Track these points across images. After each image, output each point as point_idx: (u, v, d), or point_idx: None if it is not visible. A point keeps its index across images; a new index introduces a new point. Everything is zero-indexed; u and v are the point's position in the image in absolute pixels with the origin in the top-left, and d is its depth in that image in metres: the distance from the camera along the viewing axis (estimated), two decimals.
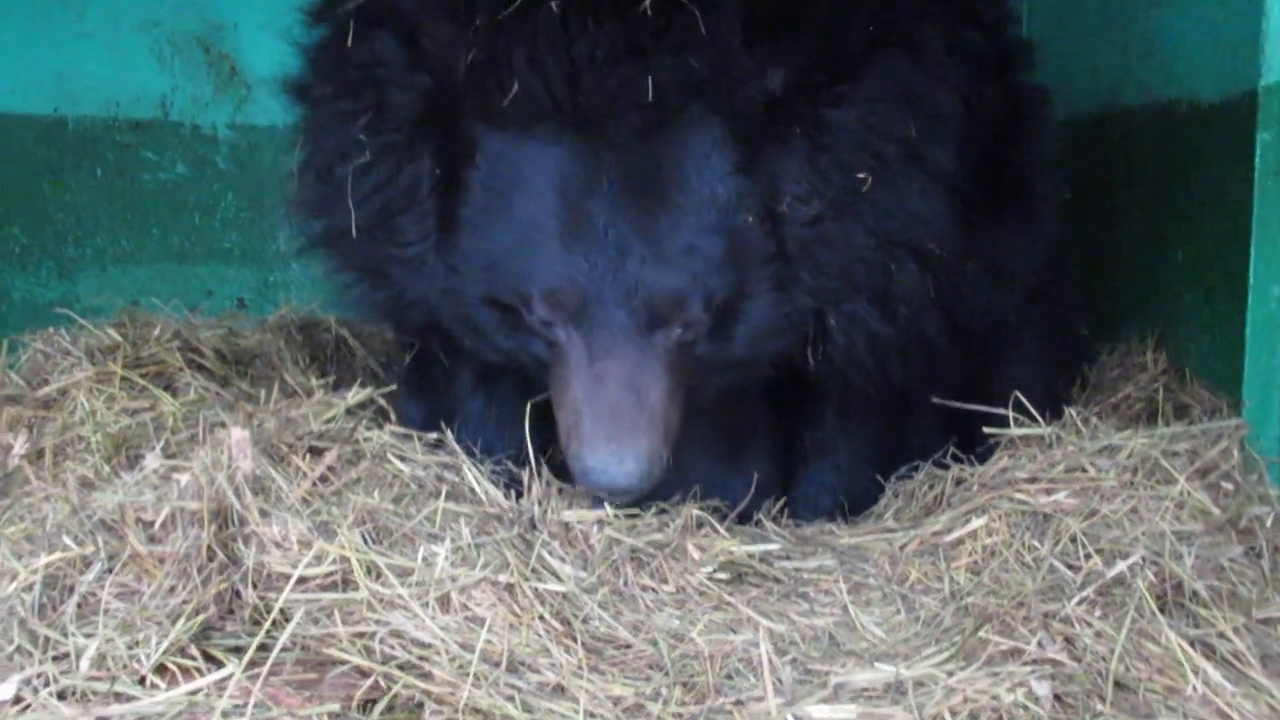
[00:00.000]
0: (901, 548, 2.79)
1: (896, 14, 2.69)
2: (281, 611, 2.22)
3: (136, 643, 2.09)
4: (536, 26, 2.51)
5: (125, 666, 2.06)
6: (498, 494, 2.66)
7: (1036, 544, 2.62)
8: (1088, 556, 2.54)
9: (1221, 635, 2.33)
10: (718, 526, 2.74)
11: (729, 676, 2.26)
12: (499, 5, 2.51)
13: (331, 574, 2.30)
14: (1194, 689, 2.20)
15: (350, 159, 2.71)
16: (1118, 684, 2.19)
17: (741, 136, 2.62)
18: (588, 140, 2.58)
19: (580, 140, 2.59)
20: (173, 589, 2.21)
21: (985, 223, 3.03)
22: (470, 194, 2.69)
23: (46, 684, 2.05)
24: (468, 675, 2.12)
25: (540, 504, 2.62)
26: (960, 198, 2.81)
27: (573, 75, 2.52)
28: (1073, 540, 2.59)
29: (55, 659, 2.09)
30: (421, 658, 2.17)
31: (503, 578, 2.33)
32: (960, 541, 2.73)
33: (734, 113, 2.60)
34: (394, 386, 3.18)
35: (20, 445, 2.90)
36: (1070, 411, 3.02)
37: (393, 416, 3.08)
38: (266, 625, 2.18)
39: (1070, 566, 2.54)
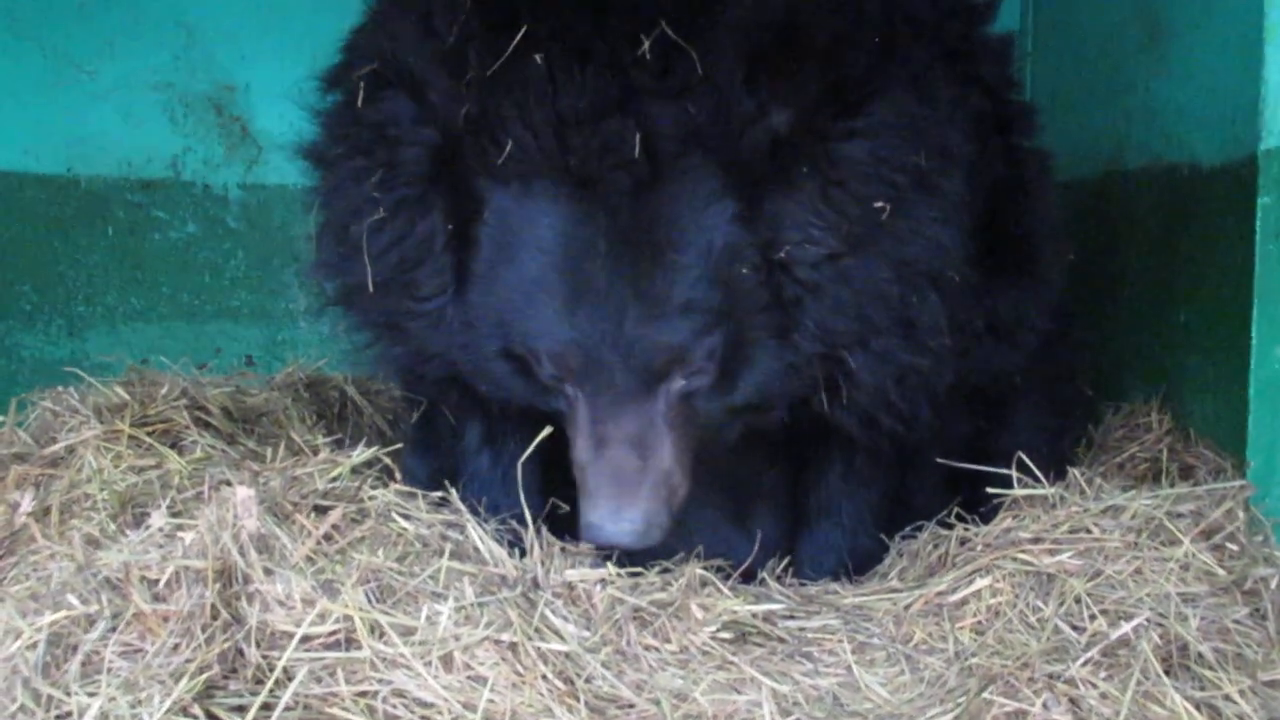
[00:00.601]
0: (906, 607, 2.78)
1: (898, 44, 2.66)
2: (284, 670, 2.21)
3: (139, 702, 2.09)
4: (526, 79, 2.49)
5: None
6: (501, 553, 2.65)
7: (1041, 605, 2.62)
8: (1092, 618, 2.53)
9: (1227, 698, 2.32)
10: (721, 586, 2.73)
11: None
12: (490, 57, 2.49)
13: (335, 633, 2.29)
14: None
15: (365, 216, 2.72)
16: None
17: (741, 182, 2.58)
18: (583, 197, 2.57)
19: (576, 198, 2.57)
20: (176, 647, 2.21)
21: (989, 283, 3.04)
22: (480, 249, 2.70)
23: None
24: None
25: (543, 563, 2.62)
26: (970, 230, 2.81)
27: (560, 131, 2.50)
28: (1077, 601, 2.58)
29: (58, 718, 2.09)
30: (424, 717, 2.17)
31: (505, 637, 2.33)
32: (964, 602, 2.72)
33: (734, 158, 2.56)
34: (399, 445, 3.19)
35: (27, 503, 2.90)
36: (1074, 472, 3.02)
37: (398, 474, 3.08)
38: (269, 684, 2.18)
39: (1075, 627, 2.53)
